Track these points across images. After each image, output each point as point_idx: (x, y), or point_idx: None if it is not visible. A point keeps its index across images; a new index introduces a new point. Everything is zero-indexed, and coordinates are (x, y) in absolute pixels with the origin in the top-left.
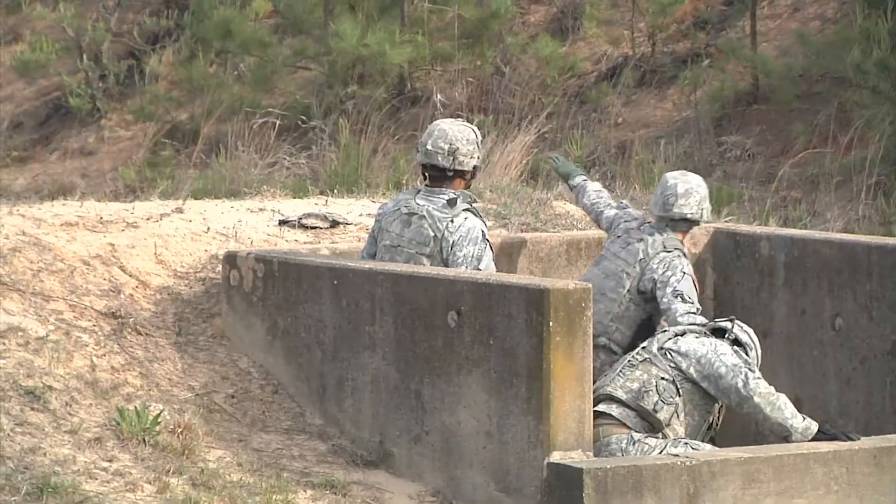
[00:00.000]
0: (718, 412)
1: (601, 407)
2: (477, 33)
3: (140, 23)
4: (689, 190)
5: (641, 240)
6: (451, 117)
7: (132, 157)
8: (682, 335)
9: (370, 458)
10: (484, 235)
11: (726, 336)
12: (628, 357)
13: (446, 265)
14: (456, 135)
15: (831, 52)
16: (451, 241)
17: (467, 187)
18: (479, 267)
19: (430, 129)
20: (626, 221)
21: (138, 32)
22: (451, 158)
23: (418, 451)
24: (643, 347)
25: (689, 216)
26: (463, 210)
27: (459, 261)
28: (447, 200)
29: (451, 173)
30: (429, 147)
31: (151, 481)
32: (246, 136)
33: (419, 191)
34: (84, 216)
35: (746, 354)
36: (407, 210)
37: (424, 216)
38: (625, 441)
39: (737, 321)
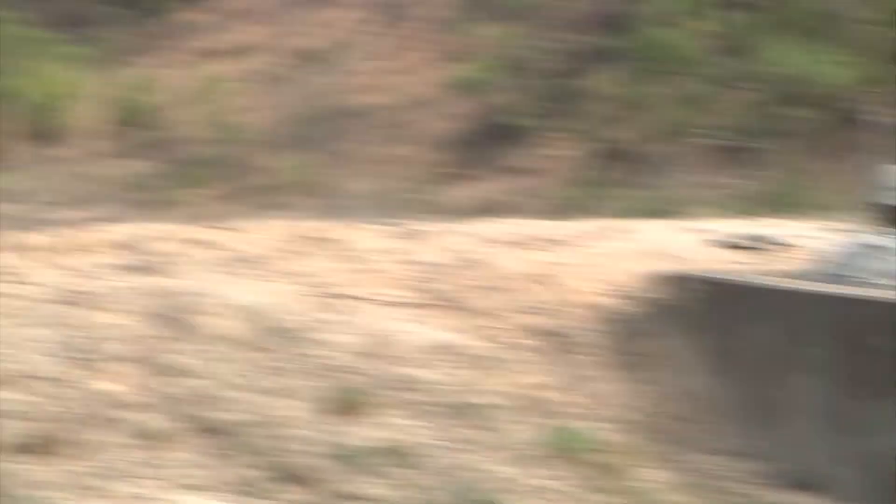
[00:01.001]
0: None
1: None
2: None
3: (581, 42)
4: None
5: None
6: None
7: (573, 176)
8: None
9: (808, 481)
10: None
11: None
12: None
13: None
14: None
15: None
16: None
17: None
18: None
19: None
20: None
21: (580, 51)
22: None
23: (862, 476)
24: None
25: None
26: None
27: None
28: None
29: None
30: None
31: (585, 500)
32: (682, 156)
33: (872, 232)
34: (525, 234)
35: None
36: (871, 245)
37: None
38: None
39: None
